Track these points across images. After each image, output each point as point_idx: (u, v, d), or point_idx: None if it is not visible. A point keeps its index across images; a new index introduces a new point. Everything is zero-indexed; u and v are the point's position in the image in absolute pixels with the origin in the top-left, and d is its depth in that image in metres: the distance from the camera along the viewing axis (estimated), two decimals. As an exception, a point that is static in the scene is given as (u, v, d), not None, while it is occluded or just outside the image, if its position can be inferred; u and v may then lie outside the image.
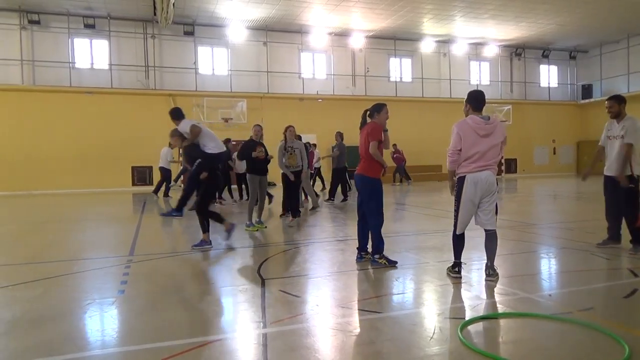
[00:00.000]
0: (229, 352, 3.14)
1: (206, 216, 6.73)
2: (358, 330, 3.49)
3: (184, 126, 6.72)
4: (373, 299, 4.26)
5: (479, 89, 24.45)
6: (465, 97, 4.72)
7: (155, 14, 19.45)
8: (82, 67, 20.65)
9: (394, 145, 20.54)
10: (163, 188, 15.65)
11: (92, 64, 20.84)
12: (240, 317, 3.87)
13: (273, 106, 22.44)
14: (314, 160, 15.52)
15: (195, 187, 6.67)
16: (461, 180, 4.57)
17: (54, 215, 12.25)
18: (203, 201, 6.69)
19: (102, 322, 3.79)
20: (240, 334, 3.44)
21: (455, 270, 4.74)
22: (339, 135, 13.50)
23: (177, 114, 6.93)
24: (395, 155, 21.22)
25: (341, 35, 23.70)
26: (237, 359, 3.06)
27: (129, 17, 20.53)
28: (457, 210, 4.64)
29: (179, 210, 6.75)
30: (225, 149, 7.05)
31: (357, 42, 24.03)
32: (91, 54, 20.86)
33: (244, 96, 22.18)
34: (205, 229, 6.73)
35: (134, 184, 20.79)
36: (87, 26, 20.08)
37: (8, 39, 19.41)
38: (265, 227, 8.47)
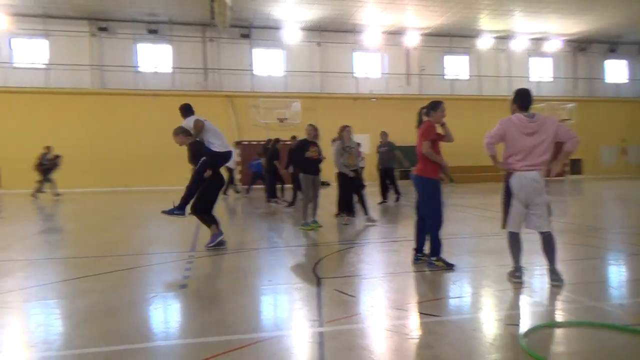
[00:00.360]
0: (285, 349, 3.20)
1: (201, 215, 6.56)
2: (415, 333, 3.45)
3: (189, 122, 6.58)
4: (430, 301, 4.19)
5: (541, 85, 23.52)
6: (512, 95, 4.60)
7: (213, 18, 20.08)
8: (145, 71, 21.67)
9: None
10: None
11: (155, 67, 21.82)
12: (295, 315, 3.93)
13: (327, 106, 22.56)
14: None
15: (199, 185, 6.46)
16: (510, 174, 4.49)
17: (121, 211, 12.93)
18: (201, 201, 6.49)
19: (166, 315, 3.97)
20: (296, 332, 3.50)
21: (517, 275, 4.58)
22: (384, 135, 13.25)
23: (185, 110, 6.83)
24: None
25: (395, 33, 23.47)
26: (294, 356, 3.11)
27: (189, 22, 21.33)
28: (505, 204, 4.56)
29: (180, 208, 6.48)
30: (230, 148, 6.76)
31: (411, 40, 23.70)
32: (154, 58, 21.84)
33: (299, 96, 22.44)
34: (212, 221, 6.55)
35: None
36: (150, 32, 21.05)
37: (79, 46, 20.70)
38: (321, 226, 8.53)
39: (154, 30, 21.09)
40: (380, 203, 12.70)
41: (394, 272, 5.29)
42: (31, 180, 20.16)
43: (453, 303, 4.19)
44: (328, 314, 3.79)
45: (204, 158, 6.41)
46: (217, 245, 6.56)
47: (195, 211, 6.53)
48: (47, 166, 16.15)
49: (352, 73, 23.73)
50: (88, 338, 3.37)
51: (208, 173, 6.40)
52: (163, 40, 21.63)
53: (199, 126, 6.47)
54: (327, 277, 5.04)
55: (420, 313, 3.87)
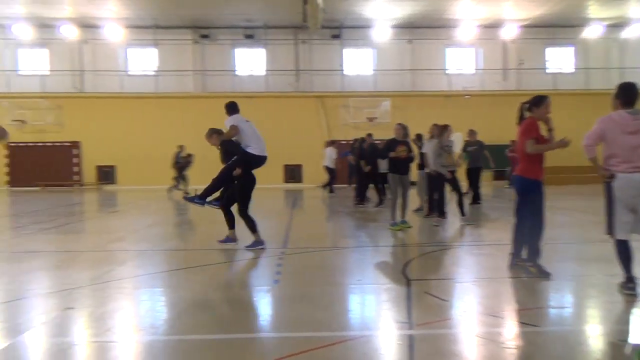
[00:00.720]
0: (374, 350, 3.19)
1: (225, 212, 6.59)
2: (512, 342, 3.27)
3: (229, 121, 6.60)
4: (528, 310, 3.95)
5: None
6: (616, 89, 4.16)
7: (305, 21, 20.54)
8: (242, 74, 22.77)
9: (513, 141, 18.59)
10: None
11: (250, 71, 22.87)
12: (385, 316, 3.90)
13: (417, 104, 22.10)
14: None
15: (227, 182, 6.47)
16: (612, 177, 4.06)
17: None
18: (230, 199, 6.54)
19: (259, 308, 4.15)
20: (385, 333, 3.47)
21: (629, 286, 4.15)
22: (473, 133, 12.36)
23: (229, 108, 6.75)
24: (511, 155, 19.26)
25: (491, 27, 22.34)
26: (383, 357, 3.08)
27: (282, 25, 22.03)
28: (609, 209, 4.13)
29: (202, 198, 6.53)
30: (265, 154, 6.76)
31: (509, 33, 22.43)
32: (250, 62, 22.90)
33: (388, 95, 22.23)
34: (251, 227, 6.50)
35: (285, 181, 22.24)
36: (246, 37, 22.06)
37: (183, 53, 22.28)
38: (410, 227, 8.39)
39: (250, 35, 22.08)
40: (471, 204, 12.13)
41: (489, 277, 5.05)
42: (142, 177, 22.07)
43: (555, 313, 3.91)
44: (418, 317, 3.72)
45: (236, 157, 6.44)
46: (226, 245, 6.61)
47: (223, 206, 6.57)
48: (181, 164, 17.35)
49: (445, 70, 23.01)
50: (189, 325, 3.62)
51: (237, 171, 6.35)
52: (258, 44, 22.56)
53: (230, 133, 6.48)
54: (417, 279, 4.95)
55: (518, 322, 3.65)
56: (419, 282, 4.81)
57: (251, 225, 6.46)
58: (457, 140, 11.57)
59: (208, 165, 21.69)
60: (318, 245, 7.42)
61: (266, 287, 4.73)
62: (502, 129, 21.34)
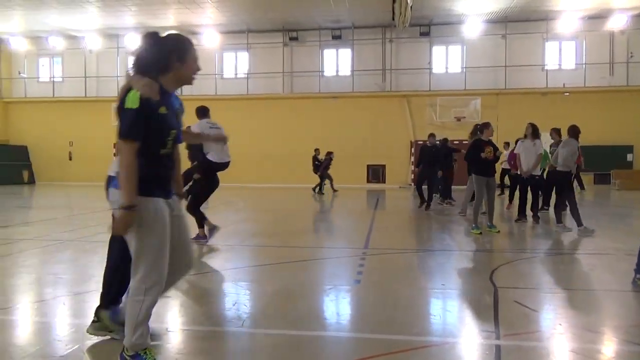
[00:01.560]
0: (458, 358, 3.07)
1: (193, 214, 6.65)
2: (612, 361, 2.99)
3: (194, 127, 6.51)
4: (636, 327, 3.58)
5: None
6: None
7: (393, 19, 20.31)
8: (329, 75, 23.07)
9: None
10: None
11: (337, 71, 23.08)
12: (469, 323, 3.74)
13: (510, 103, 20.98)
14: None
15: (187, 182, 6.64)
16: None
17: (302, 206, 14.02)
18: (195, 200, 6.70)
19: (340, 307, 4.17)
20: (470, 341, 3.33)
21: None
22: (555, 132, 10.29)
23: (199, 113, 6.88)
24: None
25: (596, 17, 20.58)
26: (467, 366, 2.97)
27: (369, 24, 21.98)
28: None
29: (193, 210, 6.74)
30: (227, 160, 6.72)
31: (618, 23, 20.50)
32: (337, 62, 23.11)
33: (479, 93, 21.33)
34: (200, 225, 6.70)
35: (368, 181, 22.19)
36: (334, 37, 22.30)
37: (273, 56, 23.04)
38: (498, 231, 7.98)
39: (337, 35, 22.29)
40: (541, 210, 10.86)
41: (588, 289, 4.66)
42: (232, 175, 23.12)
43: (666, 333, 3.50)
44: (506, 327, 3.52)
45: (197, 162, 6.72)
46: (198, 242, 6.67)
47: (188, 209, 6.62)
48: (323, 165, 17.77)
49: (543, 65, 21.57)
50: (272, 320, 3.73)
51: (196, 176, 6.63)
52: (346, 44, 22.70)
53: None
54: (506, 286, 4.69)
55: (621, 339, 3.33)
56: (508, 289, 4.55)
57: (200, 220, 6.71)
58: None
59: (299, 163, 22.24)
60: (400, 247, 7.32)
61: (347, 286, 4.74)
62: (607, 129, 19.63)
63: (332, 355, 3.12)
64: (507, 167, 12.68)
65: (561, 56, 21.76)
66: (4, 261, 6.04)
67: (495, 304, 4.09)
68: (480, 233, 7.75)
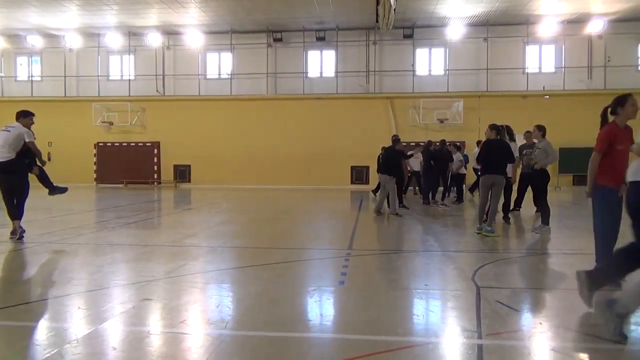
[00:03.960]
0: (441, 358, 3.09)
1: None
2: (591, 358, 3.04)
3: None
4: (612, 326, 3.64)
5: None
6: None
7: (377, 21, 20.41)
8: (313, 76, 23.06)
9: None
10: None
11: (321, 72, 23.09)
12: (452, 323, 3.77)
13: (491, 105, 21.24)
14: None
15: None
16: None
17: (286, 207, 13.98)
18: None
19: (324, 308, 4.16)
20: (452, 341, 3.36)
21: None
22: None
23: (18, 114, 7.13)
24: None
25: (575, 22, 20.98)
26: (450, 366, 2.99)
27: (353, 26, 22.04)
28: None
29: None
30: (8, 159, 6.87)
31: (596, 27, 20.93)
32: (321, 64, 23.12)
33: (461, 96, 21.56)
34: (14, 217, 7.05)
35: (352, 182, 22.25)
36: (318, 39, 22.29)
37: (257, 57, 22.95)
38: (498, 236, 7.88)
39: (321, 37, 22.28)
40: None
41: (568, 288, 4.72)
42: (214, 177, 23.05)
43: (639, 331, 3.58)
44: (488, 326, 3.55)
45: None
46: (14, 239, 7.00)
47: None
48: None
49: (523, 68, 21.91)
50: (255, 322, 3.71)
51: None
52: (330, 46, 22.72)
53: None
54: (488, 286, 4.74)
55: (600, 338, 3.38)
56: (490, 289, 4.60)
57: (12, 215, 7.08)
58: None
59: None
60: (384, 247, 7.34)
61: (331, 287, 4.74)
62: (583, 131, 19.99)
63: (317, 356, 3.11)
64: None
65: (541, 60, 22.12)
66: (-20, 264, 5.90)
67: (477, 303, 4.13)
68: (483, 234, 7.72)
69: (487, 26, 21.42)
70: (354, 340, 3.34)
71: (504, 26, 21.37)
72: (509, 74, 21.84)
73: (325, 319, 3.90)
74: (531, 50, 22.02)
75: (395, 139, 11.42)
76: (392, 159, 11.05)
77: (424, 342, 3.29)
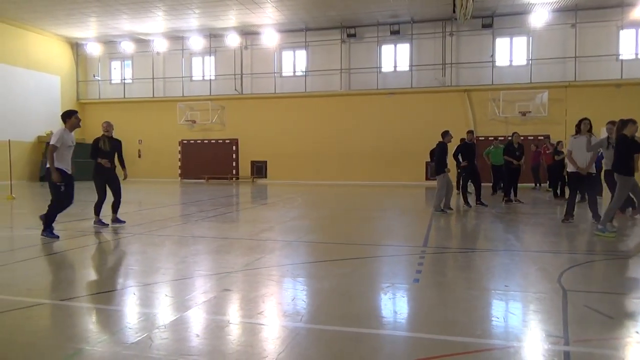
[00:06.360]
0: (523, 363, 2.95)
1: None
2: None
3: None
4: None
5: None
6: None
7: (454, 12, 19.75)
8: (387, 71, 22.81)
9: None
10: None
11: (395, 67, 22.78)
12: (535, 327, 3.57)
13: (580, 96, 19.84)
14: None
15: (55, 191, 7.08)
16: None
17: (359, 203, 13.97)
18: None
19: (398, 306, 4.12)
20: (536, 346, 3.18)
21: None
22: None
23: (63, 115, 7.22)
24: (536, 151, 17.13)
25: (681, 1, 18.97)
26: (533, 372, 2.84)
27: (429, 18, 21.50)
28: None
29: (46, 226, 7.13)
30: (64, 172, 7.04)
31: None
32: (395, 58, 22.80)
33: (545, 87, 20.32)
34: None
35: (427, 179, 21.76)
36: (392, 33, 22.01)
37: (331, 53, 23.10)
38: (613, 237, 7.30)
39: (396, 30, 21.97)
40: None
41: (669, 296, 4.31)
42: (289, 172, 23.59)
43: None
44: (576, 332, 3.33)
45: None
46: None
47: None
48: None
49: (617, 55, 20.18)
50: (329, 316, 3.75)
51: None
52: (404, 39, 22.35)
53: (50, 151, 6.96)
54: (576, 289, 4.44)
55: None
56: (578, 293, 4.31)
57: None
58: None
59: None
60: (460, 246, 7.12)
61: (405, 285, 4.68)
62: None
63: (390, 353, 3.08)
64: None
65: (638, 45, 20.27)
66: (81, 253, 6.48)
67: (564, 307, 3.88)
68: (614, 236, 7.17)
69: (575, 11, 19.99)
70: (428, 339, 3.27)
71: (594, 10, 19.82)
72: (600, 62, 20.24)
73: (399, 316, 3.86)
74: (626, 35, 20.23)
75: (444, 133, 10.73)
76: (437, 155, 10.61)
77: (504, 345, 3.15)
